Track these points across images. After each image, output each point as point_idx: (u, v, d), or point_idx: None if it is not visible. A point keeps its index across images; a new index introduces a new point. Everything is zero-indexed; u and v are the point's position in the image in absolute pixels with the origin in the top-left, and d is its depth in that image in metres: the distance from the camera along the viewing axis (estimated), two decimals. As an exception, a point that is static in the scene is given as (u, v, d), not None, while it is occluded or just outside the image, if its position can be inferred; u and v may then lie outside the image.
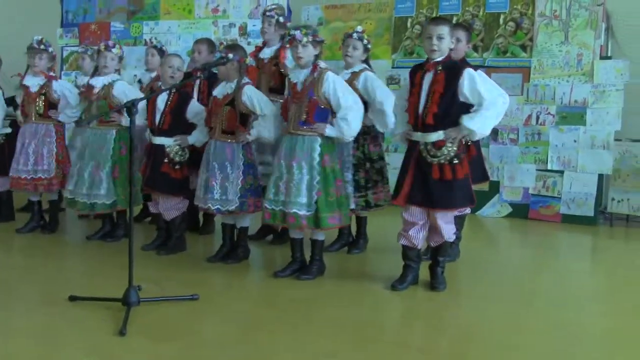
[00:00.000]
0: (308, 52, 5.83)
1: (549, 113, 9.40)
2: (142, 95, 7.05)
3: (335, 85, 5.78)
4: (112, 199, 7.09)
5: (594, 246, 8.53)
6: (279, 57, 6.92)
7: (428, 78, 5.44)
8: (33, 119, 7.65)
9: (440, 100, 5.35)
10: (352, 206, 6.54)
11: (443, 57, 5.44)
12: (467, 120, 5.32)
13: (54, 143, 7.68)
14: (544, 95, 9.43)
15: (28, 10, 13.48)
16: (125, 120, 6.94)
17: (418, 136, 5.48)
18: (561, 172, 9.38)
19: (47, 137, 7.66)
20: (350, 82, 6.42)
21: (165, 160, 6.61)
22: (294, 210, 5.74)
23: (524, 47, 9.58)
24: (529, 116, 9.51)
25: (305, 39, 5.78)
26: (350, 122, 5.78)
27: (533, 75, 9.52)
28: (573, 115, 9.30)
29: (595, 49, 9.22)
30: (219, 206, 6.31)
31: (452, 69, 5.40)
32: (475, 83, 5.31)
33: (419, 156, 5.47)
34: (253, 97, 6.23)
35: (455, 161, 5.41)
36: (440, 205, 5.49)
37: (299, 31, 5.81)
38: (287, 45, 6.11)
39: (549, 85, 9.40)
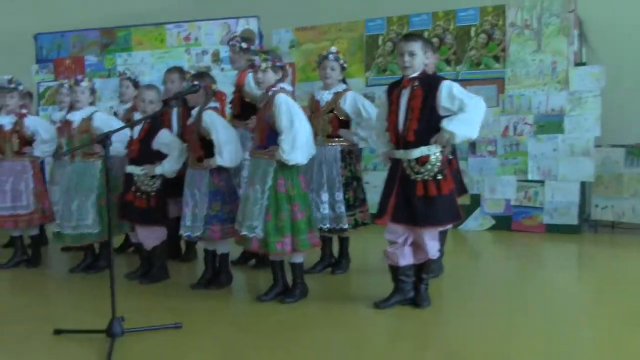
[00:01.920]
0: (267, 77, 5.84)
1: (526, 123, 9.42)
2: (122, 124, 7.05)
3: (279, 107, 5.70)
4: (98, 228, 7.06)
5: (580, 255, 8.52)
6: (238, 81, 6.99)
7: (405, 95, 5.44)
8: (9, 156, 7.65)
9: (420, 116, 5.33)
10: (346, 226, 6.60)
11: (418, 73, 5.43)
12: (446, 123, 5.30)
13: (31, 179, 7.71)
14: (520, 105, 9.46)
15: (3, 47, 13.47)
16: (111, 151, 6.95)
17: (400, 154, 5.45)
18: (542, 182, 9.38)
19: (24, 174, 7.68)
20: (334, 102, 6.56)
21: (133, 189, 6.62)
22: (244, 232, 5.79)
23: (497, 58, 9.62)
24: (506, 127, 9.53)
25: (264, 65, 5.79)
26: (281, 145, 5.66)
27: (508, 86, 9.56)
28: (551, 124, 9.31)
29: (569, 55, 9.26)
30: (189, 232, 6.36)
31: (429, 83, 5.39)
32: (452, 91, 5.30)
33: (402, 174, 5.44)
34: (209, 122, 6.21)
35: (439, 177, 5.39)
36: (426, 223, 5.46)
37: (257, 57, 5.82)
38: (248, 70, 6.13)
39: (525, 95, 9.43)
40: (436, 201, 5.40)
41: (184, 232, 6.39)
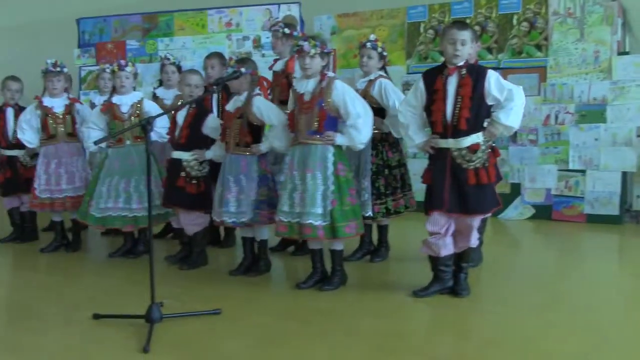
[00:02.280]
0: (315, 63, 5.80)
1: (567, 112, 9.34)
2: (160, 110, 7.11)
3: (344, 93, 5.76)
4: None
5: (621, 246, 8.44)
6: (287, 69, 6.94)
7: (453, 82, 5.35)
8: (62, 138, 7.73)
9: (471, 104, 5.27)
10: (370, 213, 6.54)
11: (463, 62, 5.38)
12: (504, 118, 5.28)
13: (84, 160, 7.86)
14: (562, 95, 9.37)
15: (46, 32, 13.60)
16: (155, 136, 7.02)
17: (450, 143, 5.37)
18: (583, 172, 9.30)
19: (78, 155, 7.81)
20: (366, 89, 6.49)
21: (182, 175, 6.61)
22: (310, 221, 5.70)
23: (539, 47, 9.54)
24: (548, 116, 9.45)
25: (313, 51, 5.75)
26: (360, 129, 5.75)
27: (550, 75, 9.47)
28: (593, 113, 9.23)
29: (612, 44, 9.16)
30: (234, 219, 6.32)
31: (476, 71, 5.34)
32: (501, 81, 5.28)
33: (453, 163, 5.38)
34: (262, 108, 6.26)
35: (487, 164, 5.38)
36: (477, 211, 5.45)
37: (307, 42, 5.78)
38: (296, 56, 6.11)
39: (567, 84, 9.34)
40: (486, 189, 5.40)
41: (227, 219, 6.33)
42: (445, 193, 5.38)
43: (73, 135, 7.77)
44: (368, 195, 6.52)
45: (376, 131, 6.50)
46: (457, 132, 5.32)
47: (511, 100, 5.27)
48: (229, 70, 6.26)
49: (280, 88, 7.14)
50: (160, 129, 6.98)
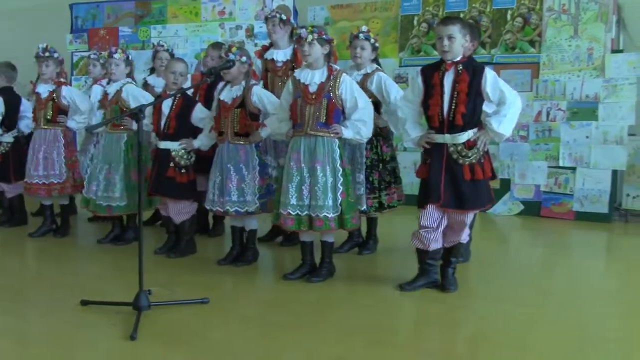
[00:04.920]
0: (314, 50, 5.77)
1: (559, 109, 9.35)
2: (151, 98, 7.09)
3: (352, 87, 5.79)
4: (125, 201, 7.15)
5: (609, 244, 8.45)
6: (296, 60, 6.91)
7: (449, 78, 5.35)
8: (42, 124, 7.72)
9: (467, 100, 5.27)
10: (365, 208, 6.55)
11: (460, 57, 5.36)
12: (496, 124, 5.31)
13: (62, 147, 7.75)
14: (554, 91, 9.38)
15: (38, 17, 13.55)
16: (134, 125, 6.97)
17: (446, 138, 5.37)
18: (573, 169, 9.31)
19: (56, 142, 7.75)
20: (363, 83, 6.47)
21: (171, 165, 6.61)
22: (324, 213, 5.70)
23: (532, 43, 9.54)
24: (539, 112, 9.46)
25: (310, 37, 5.73)
26: (367, 123, 5.79)
27: (542, 71, 9.47)
28: (584, 111, 9.23)
29: (606, 42, 9.16)
30: (237, 208, 6.30)
31: (473, 68, 5.34)
32: (497, 82, 5.30)
33: (448, 158, 5.38)
34: (262, 96, 6.28)
35: (482, 160, 5.40)
36: (471, 206, 5.46)
37: (304, 29, 5.79)
38: (295, 45, 6.12)
39: (559, 80, 9.34)
40: (481, 184, 5.43)
41: (229, 208, 6.30)
42: (441, 188, 5.38)
43: (52, 121, 7.75)
44: (364, 189, 6.53)
45: None
46: (453, 128, 5.33)
47: (505, 106, 5.30)
48: (232, 57, 6.23)
49: (283, 79, 7.03)
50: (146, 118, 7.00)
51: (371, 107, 5.91)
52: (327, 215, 5.71)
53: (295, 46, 6.78)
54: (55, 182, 7.69)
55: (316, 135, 5.79)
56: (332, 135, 5.76)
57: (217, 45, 7.70)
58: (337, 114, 5.78)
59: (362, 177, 6.54)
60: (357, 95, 5.78)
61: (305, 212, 5.77)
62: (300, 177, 5.80)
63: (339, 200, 5.74)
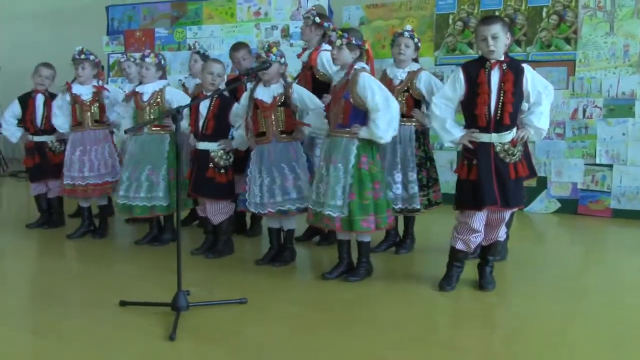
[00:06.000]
0: (342, 55, 5.79)
1: (595, 106, 9.28)
2: (189, 100, 7.13)
3: (365, 86, 5.71)
4: (169, 201, 7.18)
5: (646, 241, 8.38)
6: (310, 61, 6.97)
7: (495, 76, 5.33)
8: (89, 125, 7.80)
9: (514, 99, 5.28)
10: (418, 207, 6.60)
11: (503, 56, 5.36)
12: (536, 121, 5.35)
13: (113, 146, 7.95)
14: (590, 88, 9.31)
15: (75, 20, 13.69)
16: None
17: (493, 137, 5.36)
18: (610, 166, 9.23)
19: (107, 142, 7.89)
20: (409, 80, 6.55)
21: (211, 165, 6.63)
22: (328, 212, 5.75)
23: (568, 40, 9.48)
24: (575, 110, 9.39)
25: (339, 42, 5.77)
26: (378, 124, 5.66)
27: (578, 69, 9.40)
28: (621, 108, 9.16)
29: (643, 39, 9.10)
30: (298, 205, 6.32)
31: (516, 67, 5.34)
32: (535, 81, 5.33)
33: (497, 158, 5.37)
34: (302, 94, 6.33)
35: (521, 158, 5.42)
36: (514, 204, 5.49)
37: (334, 33, 5.83)
38: (321, 48, 6.14)
39: (595, 77, 9.28)
40: (521, 182, 5.49)
41: (292, 206, 6.32)
42: (495, 189, 5.36)
43: (100, 122, 7.84)
44: (417, 188, 6.57)
45: (418, 124, 6.57)
46: (500, 127, 5.32)
47: (539, 105, 5.35)
48: (272, 58, 6.25)
49: (304, 80, 7.11)
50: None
51: (389, 108, 5.72)
52: (332, 214, 5.74)
53: (318, 47, 6.86)
54: (110, 180, 7.81)
55: (335, 135, 5.87)
56: (350, 135, 5.78)
57: (243, 46, 7.73)
58: (354, 113, 5.77)
59: (414, 175, 6.57)
60: (369, 95, 5.66)
61: (319, 209, 5.85)
62: (320, 174, 5.91)
63: (347, 201, 5.75)
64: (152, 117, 7.09)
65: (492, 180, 5.36)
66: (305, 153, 6.45)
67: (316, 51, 6.87)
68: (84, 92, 7.80)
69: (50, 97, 8.27)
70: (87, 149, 7.75)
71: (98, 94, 7.81)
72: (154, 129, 7.24)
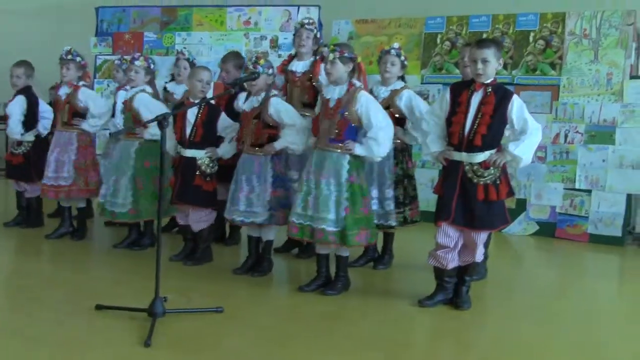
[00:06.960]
0: (336, 69, 5.83)
1: (577, 132, 9.36)
2: (162, 107, 7.16)
3: (367, 104, 5.79)
4: (127, 208, 7.19)
5: (622, 267, 8.46)
6: (314, 72, 6.96)
7: (476, 98, 5.40)
8: (59, 126, 7.83)
9: (490, 122, 5.32)
10: (394, 223, 6.64)
11: (490, 80, 5.41)
12: (513, 148, 5.36)
13: (75, 151, 7.79)
14: (573, 114, 9.38)
15: (67, 17, 13.66)
16: (147, 134, 7.06)
17: (463, 156, 5.43)
18: (589, 192, 9.30)
19: (69, 145, 7.80)
20: (391, 98, 6.56)
21: (197, 173, 6.65)
22: (323, 226, 5.75)
23: (553, 65, 9.56)
24: (557, 134, 9.47)
25: (332, 56, 5.80)
26: (380, 142, 5.77)
27: (562, 94, 9.48)
28: (602, 135, 9.24)
29: (625, 68, 9.18)
30: (242, 218, 6.38)
31: (502, 93, 5.39)
32: (523, 111, 5.36)
33: (463, 176, 5.43)
34: (280, 108, 6.32)
35: (498, 182, 5.43)
36: (483, 226, 5.50)
37: (327, 48, 5.88)
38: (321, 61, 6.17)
39: (578, 103, 9.36)
40: (494, 205, 5.45)
41: (236, 217, 6.40)
42: (453, 205, 5.43)
43: (68, 124, 7.80)
44: (393, 205, 6.62)
45: (398, 141, 6.59)
46: (471, 147, 5.37)
47: (525, 134, 5.36)
48: (260, 70, 6.27)
49: (301, 90, 7.14)
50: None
51: (389, 127, 5.90)
52: (326, 228, 5.76)
53: (317, 57, 6.86)
54: (63, 184, 7.74)
55: (325, 149, 5.87)
56: (343, 150, 5.81)
57: (236, 55, 7.77)
58: (350, 130, 5.82)
59: (391, 192, 6.62)
60: (372, 113, 5.77)
61: (308, 223, 5.85)
62: (307, 187, 5.89)
63: (342, 215, 5.78)
64: (124, 123, 7.13)
65: (452, 196, 5.43)
66: (272, 169, 6.41)
67: (319, 63, 6.81)
68: (62, 92, 7.84)
69: (26, 96, 8.37)
70: (55, 149, 7.79)
71: (71, 95, 7.75)
72: (126, 136, 7.27)
